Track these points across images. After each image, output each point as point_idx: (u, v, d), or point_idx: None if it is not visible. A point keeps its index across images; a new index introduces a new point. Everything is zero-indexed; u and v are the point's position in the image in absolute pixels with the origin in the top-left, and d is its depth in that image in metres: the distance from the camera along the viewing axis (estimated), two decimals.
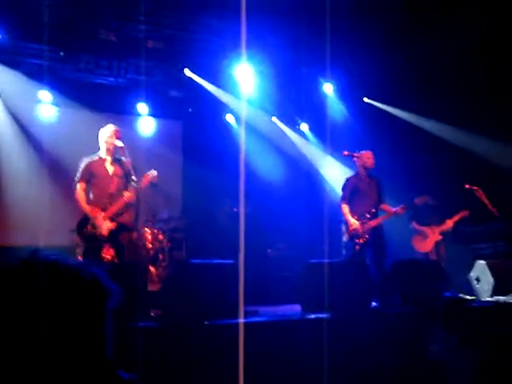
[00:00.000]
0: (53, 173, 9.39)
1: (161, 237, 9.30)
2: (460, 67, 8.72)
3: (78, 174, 6.22)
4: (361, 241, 7.08)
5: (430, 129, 9.72)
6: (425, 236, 8.25)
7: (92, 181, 6.22)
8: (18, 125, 9.63)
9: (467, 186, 7.91)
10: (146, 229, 9.08)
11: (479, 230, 8.28)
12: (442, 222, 8.28)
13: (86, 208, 6.09)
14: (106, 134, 6.27)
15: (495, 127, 8.71)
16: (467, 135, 9.23)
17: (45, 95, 9.66)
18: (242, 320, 4.58)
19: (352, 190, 7.32)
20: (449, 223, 8.25)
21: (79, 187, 6.17)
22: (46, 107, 9.95)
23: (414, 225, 8.38)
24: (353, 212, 7.24)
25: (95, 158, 6.31)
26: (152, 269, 8.80)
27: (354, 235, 7.11)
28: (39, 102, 9.78)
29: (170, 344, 4.27)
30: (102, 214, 6.08)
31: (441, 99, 9.19)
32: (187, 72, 9.84)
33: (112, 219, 6.10)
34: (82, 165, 6.25)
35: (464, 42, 8.31)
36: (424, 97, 9.51)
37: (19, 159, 9.58)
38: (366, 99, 10.75)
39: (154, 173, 6.31)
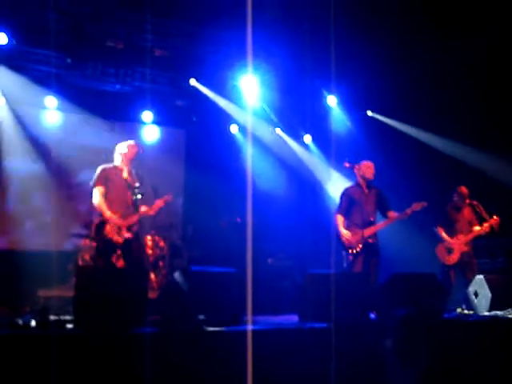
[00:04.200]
0: (57, 178, 9.46)
1: (161, 244, 9.34)
2: (463, 82, 8.79)
3: (94, 179, 6.33)
4: (353, 251, 7.06)
5: (433, 143, 9.77)
6: (450, 247, 7.88)
7: (108, 186, 6.31)
8: (23, 130, 9.70)
9: (467, 201, 7.93)
10: (147, 236, 9.13)
11: (478, 244, 8.24)
12: (469, 231, 7.93)
13: (108, 214, 6.17)
14: (127, 147, 6.48)
15: (500, 142, 8.75)
16: (470, 150, 9.27)
17: (51, 101, 9.74)
18: (250, 327, 4.61)
19: (349, 201, 7.29)
20: (474, 233, 7.86)
21: (98, 192, 6.26)
22: (51, 113, 10.02)
23: (441, 232, 7.99)
24: (350, 223, 7.25)
25: (111, 165, 6.47)
26: (152, 276, 8.83)
27: (347, 246, 7.12)
28: (45, 107, 9.85)
29: (170, 350, 4.30)
30: (121, 221, 6.19)
31: (444, 114, 9.25)
32: (192, 81, 9.93)
33: (129, 228, 6.22)
34: (98, 169, 6.38)
35: (468, 57, 8.40)
36: (427, 111, 9.57)
37: (24, 164, 9.64)
38: (369, 112, 10.82)
39: (170, 196, 6.58)
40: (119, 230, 6.17)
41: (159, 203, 6.42)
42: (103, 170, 6.36)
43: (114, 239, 6.12)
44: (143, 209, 6.39)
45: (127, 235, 6.20)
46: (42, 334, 4.02)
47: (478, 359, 5.22)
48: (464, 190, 8.01)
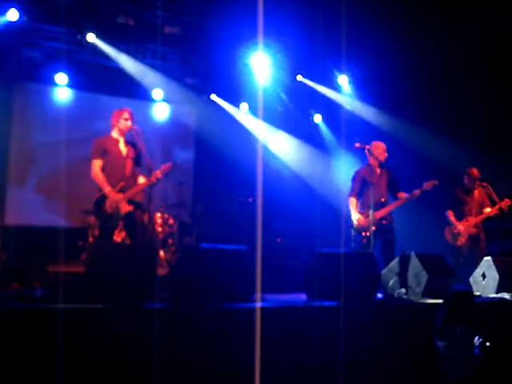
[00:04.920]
0: (67, 155, 9.49)
1: (171, 221, 9.39)
2: (474, 65, 8.74)
3: (92, 151, 6.20)
4: (367, 234, 7.03)
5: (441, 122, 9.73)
6: (459, 230, 7.88)
7: (106, 158, 6.18)
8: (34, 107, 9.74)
9: (477, 184, 7.91)
10: (157, 213, 9.17)
11: (488, 226, 8.22)
12: (478, 213, 7.92)
13: (107, 189, 6.05)
14: (119, 114, 6.30)
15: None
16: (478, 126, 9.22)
17: (61, 78, 9.74)
18: (256, 305, 4.65)
19: (361, 182, 7.28)
20: (484, 214, 7.87)
21: (95, 165, 6.13)
22: (62, 90, 10.03)
23: (450, 216, 8.00)
24: (363, 205, 7.24)
25: (107, 137, 6.34)
26: (161, 253, 8.89)
27: (359, 229, 7.12)
28: (56, 84, 9.85)
29: (179, 326, 4.35)
30: (121, 196, 6.08)
31: (457, 94, 9.20)
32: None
33: (129, 201, 6.14)
34: (94, 142, 6.25)
35: (478, 41, 8.35)
36: (437, 91, 9.52)
37: (35, 140, 9.69)
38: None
39: (169, 165, 6.27)
40: (120, 204, 6.06)
41: (157, 174, 6.10)
42: (98, 142, 6.22)
43: (114, 214, 6.03)
44: (141, 180, 6.26)
45: (128, 208, 6.09)
46: (51, 308, 4.06)
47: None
48: (475, 171, 7.98)
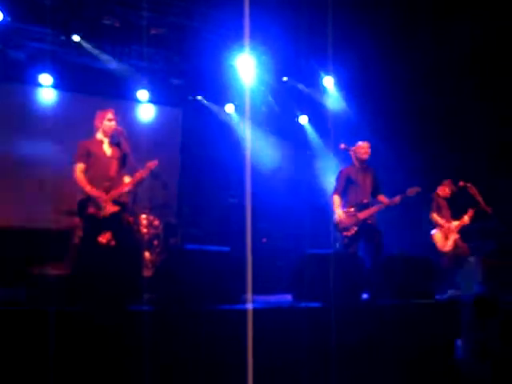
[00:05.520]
0: (51, 156, 9.45)
1: (156, 223, 9.35)
2: (461, 68, 8.81)
3: (75, 155, 6.15)
4: (348, 233, 7.06)
5: (426, 124, 9.80)
6: (445, 233, 8.06)
7: (89, 161, 6.14)
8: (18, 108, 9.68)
9: (461, 184, 7.99)
10: (142, 214, 9.15)
11: (472, 227, 8.31)
12: (458, 217, 8.16)
13: (90, 190, 5.99)
14: (103, 116, 6.28)
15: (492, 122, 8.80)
16: (463, 130, 9.29)
17: (46, 79, 9.70)
18: (250, 306, 4.65)
19: (345, 181, 7.31)
20: (466, 219, 8.13)
21: (78, 169, 6.09)
22: (46, 91, 9.99)
23: (435, 217, 8.15)
24: (346, 203, 7.27)
25: (91, 139, 6.29)
26: (146, 254, 8.86)
27: (341, 228, 7.15)
28: (40, 85, 9.81)
29: (166, 328, 4.34)
30: (105, 196, 6.03)
31: (442, 96, 9.26)
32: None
33: (114, 202, 6.08)
34: (78, 145, 6.18)
35: (465, 45, 8.41)
36: (423, 92, 9.58)
37: (17, 141, 9.63)
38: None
39: (155, 162, 6.28)
40: (103, 204, 6.01)
41: (142, 172, 6.11)
42: (82, 145, 6.17)
43: (99, 215, 5.97)
44: (126, 180, 6.21)
45: (113, 209, 6.03)
46: (37, 310, 4.04)
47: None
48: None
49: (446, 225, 8.02)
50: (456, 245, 8.01)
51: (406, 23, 8.77)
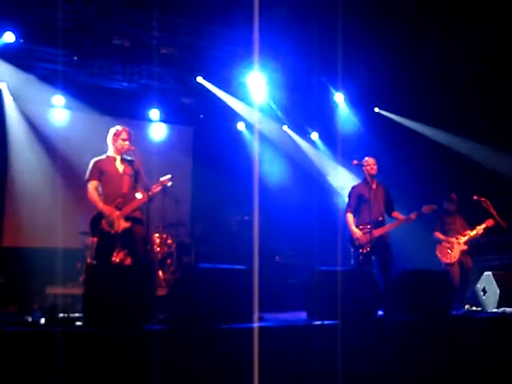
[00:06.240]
0: (65, 176, 9.49)
1: (169, 241, 9.35)
2: (470, 78, 8.78)
3: (88, 173, 6.19)
4: (364, 251, 7.03)
5: (439, 139, 9.76)
6: (450, 246, 7.97)
7: (102, 179, 6.18)
8: (31, 128, 9.73)
9: (475, 198, 7.92)
10: (155, 233, 9.15)
11: (487, 241, 8.22)
12: (466, 231, 8.03)
13: (102, 207, 6.03)
14: (116, 133, 6.31)
15: (506, 139, 8.74)
16: (476, 146, 9.25)
17: (58, 99, 9.77)
18: (256, 325, 4.61)
19: (358, 199, 7.29)
20: (475, 232, 7.97)
21: (91, 186, 6.13)
22: (59, 111, 10.06)
23: (438, 235, 8.12)
24: (359, 221, 7.23)
25: (103, 156, 6.32)
26: (160, 273, 8.85)
27: (357, 245, 7.11)
28: (53, 106, 9.89)
29: (178, 347, 4.31)
30: (117, 213, 6.04)
31: (450, 109, 9.24)
32: (199, 79, 9.94)
33: (127, 218, 6.09)
34: (91, 163, 6.23)
35: (477, 54, 8.38)
36: (434, 107, 9.55)
37: (32, 162, 9.68)
38: (376, 109, 10.81)
39: (168, 177, 6.32)
40: (115, 220, 6.01)
41: (155, 188, 6.17)
42: (96, 164, 6.21)
43: (112, 231, 5.98)
44: (139, 196, 6.22)
45: (125, 225, 6.03)
46: (50, 331, 4.02)
47: (489, 356, 5.19)
48: (454, 196, 8.18)
49: (451, 239, 7.96)
50: (460, 257, 7.93)
51: (414, 38, 8.77)
